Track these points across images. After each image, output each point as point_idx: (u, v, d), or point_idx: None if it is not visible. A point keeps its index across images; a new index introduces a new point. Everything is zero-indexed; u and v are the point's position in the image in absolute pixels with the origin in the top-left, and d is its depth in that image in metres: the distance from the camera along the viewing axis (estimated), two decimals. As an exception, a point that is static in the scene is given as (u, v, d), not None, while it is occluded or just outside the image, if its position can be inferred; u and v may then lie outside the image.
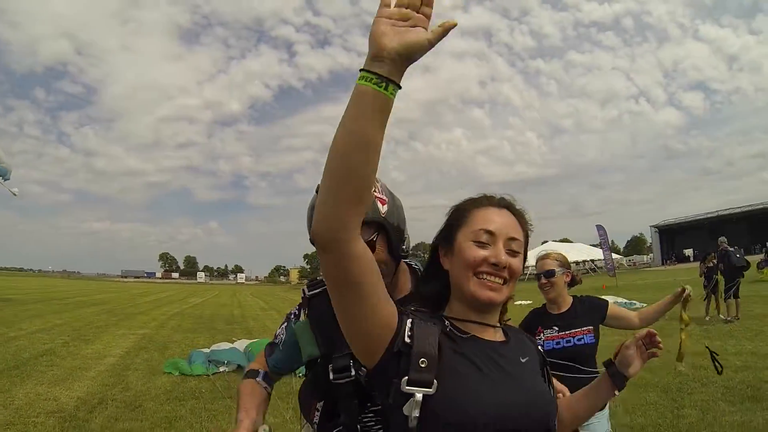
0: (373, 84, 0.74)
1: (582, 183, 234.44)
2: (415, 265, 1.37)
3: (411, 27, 0.75)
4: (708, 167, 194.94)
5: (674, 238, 61.79)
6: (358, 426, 1.15)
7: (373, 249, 1.17)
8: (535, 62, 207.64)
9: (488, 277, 0.98)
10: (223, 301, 28.45)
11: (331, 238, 0.80)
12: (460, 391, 0.89)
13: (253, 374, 1.34)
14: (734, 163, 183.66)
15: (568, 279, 2.55)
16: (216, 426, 4.71)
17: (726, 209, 57.07)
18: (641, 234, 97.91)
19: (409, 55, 0.75)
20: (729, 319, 9.83)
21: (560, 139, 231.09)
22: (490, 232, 1.01)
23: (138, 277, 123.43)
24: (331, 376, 1.16)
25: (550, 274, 2.52)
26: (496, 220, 1.03)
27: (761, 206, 51.63)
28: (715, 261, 10.80)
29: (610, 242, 33.31)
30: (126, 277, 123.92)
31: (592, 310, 2.51)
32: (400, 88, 0.76)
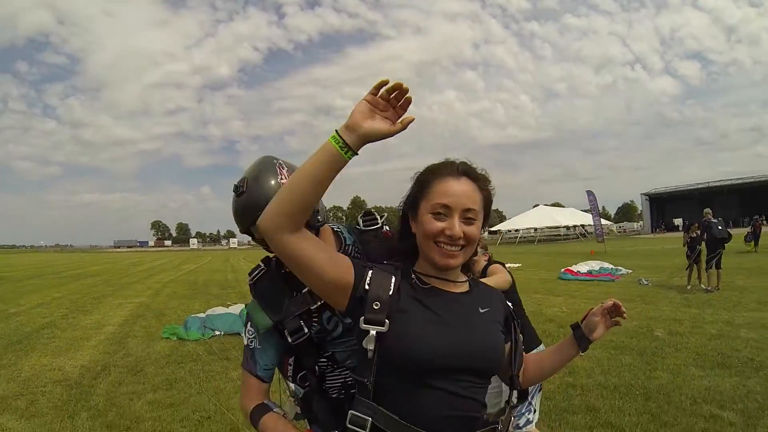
0: (338, 146, 0.99)
1: (576, 148, 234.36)
2: (337, 228, 1.52)
3: (383, 116, 1.00)
4: (702, 137, 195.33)
5: (664, 207, 62.40)
6: (317, 368, 1.41)
7: None
8: (530, 25, 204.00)
9: (446, 246, 1.13)
10: (217, 266, 28.57)
11: (273, 233, 1.03)
12: (409, 330, 1.08)
13: (262, 409, 1.36)
14: (728, 135, 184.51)
15: (486, 258, 3.10)
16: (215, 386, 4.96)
17: (717, 180, 57.53)
18: (632, 201, 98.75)
19: (370, 136, 1.00)
20: (709, 289, 10.09)
21: (554, 103, 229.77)
22: (446, 206, 1.12)
23: (131, 247, 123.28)
24: (289, 339, 1.36)
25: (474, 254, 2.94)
26: (454, 191, 1.13)
27: (752, 179, 52.04)
28: (698, 231, 10.96)
29: (600, 208, 33.74)
30: (119, 247, 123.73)
31: (480, 276, 2.92)
32: (356, 154, 1.02)
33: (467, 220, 1.13)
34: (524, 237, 55.11)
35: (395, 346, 1.07)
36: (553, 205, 72.06)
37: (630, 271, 14.69)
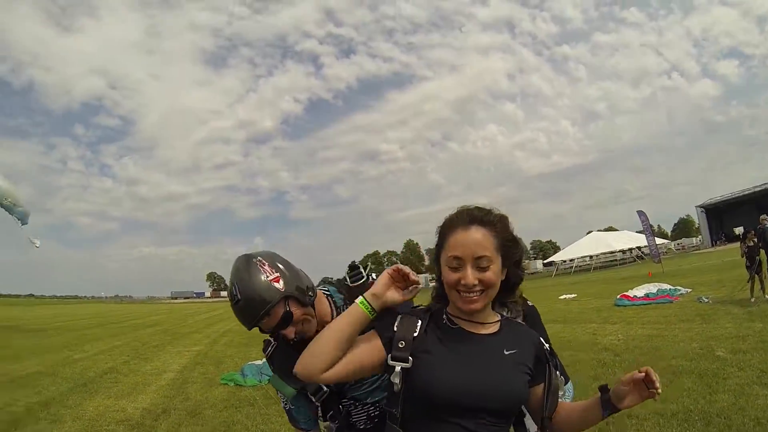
0: (368, 310, 1.25)
1: (622, 167, 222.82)
2: (327, 291, 1.69)
3: (396, 286, 1.29)
4: (751, 137, 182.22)
5: (722, 217, 58.52)
6: (341, 407, 1.62)
7: (291, 317, 1.47)
8: (561, 48, 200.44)
9: (464, 294, 1.24)
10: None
11: (311, 378, 1.25)
12: (429, 368, 1.22)
13: None
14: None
15: None
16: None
17: (774, 180, 53.52)
18: (688, 215, 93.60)
19: (387, 303, 1.28)
20: (774, 298, 9.42)
21: (595, 124, 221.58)
22: (458, 258, 1.22)
23: (187, 298, 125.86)
24: (313, 400, 1.58)
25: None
26: (464, 242, 1.22)
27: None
28: (755, 240, 10.34)
29: (656, 227, 32.17)
30: (176, 298, 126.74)
31: None
32: (376, 313, 1.27)
33: (480, 268, 1.21)
34: (579, 266, 53.00)
35: (417, 381, 1.22)
36: (607, 229, 69.12)
37: (689, 290, 13.89)
